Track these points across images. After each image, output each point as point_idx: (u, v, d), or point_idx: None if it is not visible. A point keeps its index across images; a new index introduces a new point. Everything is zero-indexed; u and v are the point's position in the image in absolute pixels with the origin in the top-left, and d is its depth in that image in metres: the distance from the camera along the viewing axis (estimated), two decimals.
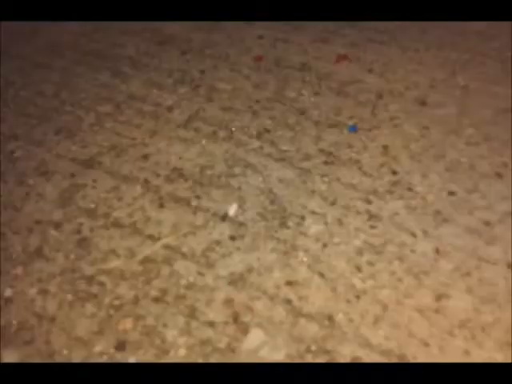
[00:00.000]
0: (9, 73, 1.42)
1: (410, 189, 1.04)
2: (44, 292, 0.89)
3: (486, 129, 1.17)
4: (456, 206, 1.00)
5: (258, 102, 1.29)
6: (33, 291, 0.89)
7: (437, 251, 0.92)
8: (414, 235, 0.95)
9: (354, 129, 1.19)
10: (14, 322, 0.84)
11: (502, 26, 1.51)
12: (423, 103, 1.25)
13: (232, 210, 1.01)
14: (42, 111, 1.29)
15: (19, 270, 0.92)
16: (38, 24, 1.63)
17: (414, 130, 1.18)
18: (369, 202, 1.02)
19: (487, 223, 0.96)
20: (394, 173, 1.08)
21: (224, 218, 1.00)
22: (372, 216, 0.99)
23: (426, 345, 0.79)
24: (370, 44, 1.47)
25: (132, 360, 0.79)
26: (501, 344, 0.79)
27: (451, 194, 1.03)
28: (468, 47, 1.43)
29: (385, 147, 1.14)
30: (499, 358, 0.77)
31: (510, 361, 0.77)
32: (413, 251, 0.92)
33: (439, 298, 0.85)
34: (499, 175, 1.06)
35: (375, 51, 1.44)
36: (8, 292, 0.89)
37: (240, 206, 1.02)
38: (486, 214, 0.98)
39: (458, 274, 0.88)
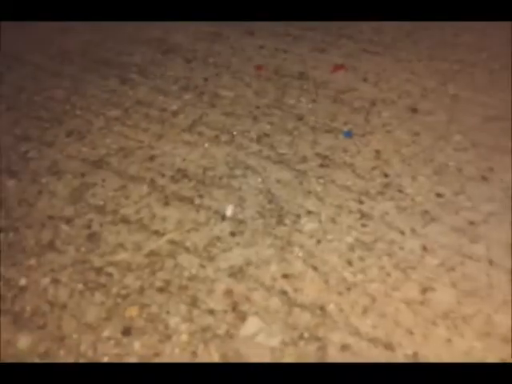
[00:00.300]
0: (22, 79, 1.49)
1: (400, 190, 1.10)
2: (56, 282, 0.95)
3: (474, 135, 1.23)
4: (443, 206, 1.06)
5: (258, 108, 1.35)
6: (45, 281, 0.95)
7: (424, 248, 0.98)
8: (402, 233, 1.01)
9: (348, 134, 1.25)
10: (28, 309, 0.91)
11: (491, 38, 1.58)
12: (414, 111, 1.32)
13: (229, 210, 1.07)
14: (53, 115, 1.36)
15: (33, 262, 0.99)
16: (49, 33, 1.71)
17: (405, 135, 1.24)
18: (361, 202, 1.08)
19: (472, 223, 1.02)
20: (386, 175, 1.14)
21: (224, 216, 1.06)
22: (364, 215, 1.05)
23: (411, 333, 0.85)
24: (366, 54, 1.54)
25: (137, 344, 0.85)
26: (480, 334, 0.84)
27: (439, 195, 1.09)
28: (458, 58, 1.49)
29: (377, 151, 1.20)
30: (478, 346, 0.83)
31: (488, 349, 0.83)
32: (401, 248, 0.98)
33: (424, 291, 0.91)
34: (485, 178, 1.12)
35: (370, 61, 1.51)
36: (22, 281, 0.95)
37: (239, 205, 1.08)
38: (470, 215, 1.04)
39: (442, 270, 0.94)
